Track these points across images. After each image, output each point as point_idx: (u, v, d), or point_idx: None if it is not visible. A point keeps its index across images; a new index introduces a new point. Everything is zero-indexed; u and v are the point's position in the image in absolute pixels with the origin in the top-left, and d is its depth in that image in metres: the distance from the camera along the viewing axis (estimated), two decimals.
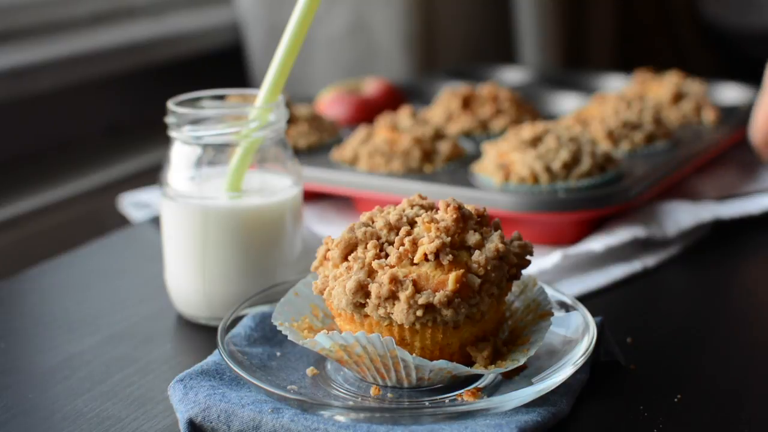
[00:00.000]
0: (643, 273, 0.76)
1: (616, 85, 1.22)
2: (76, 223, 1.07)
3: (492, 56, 1.63)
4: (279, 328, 0.57)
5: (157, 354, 0.64)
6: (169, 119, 0.66)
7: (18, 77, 1.12)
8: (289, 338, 0.56)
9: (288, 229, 0.68)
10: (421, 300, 0.52)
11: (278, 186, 0.68)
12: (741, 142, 1.03)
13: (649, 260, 0.78)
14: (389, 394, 0.55)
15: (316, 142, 0.95)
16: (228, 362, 0.55)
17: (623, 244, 0.79)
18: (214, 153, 0.67)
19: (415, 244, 0.54)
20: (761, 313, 0.70)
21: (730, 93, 1.15)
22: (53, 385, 0.60)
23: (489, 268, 0.54)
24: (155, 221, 0.88)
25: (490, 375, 0.56)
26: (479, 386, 0.55)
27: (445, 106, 1.04)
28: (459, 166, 0.88)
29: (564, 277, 0.75)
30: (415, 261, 0.54)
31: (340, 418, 0.51)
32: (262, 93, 0.65)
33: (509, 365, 0.54)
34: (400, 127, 0.91)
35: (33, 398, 0.58)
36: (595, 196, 0.78)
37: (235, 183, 0.66)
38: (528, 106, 1.06)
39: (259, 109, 0.65)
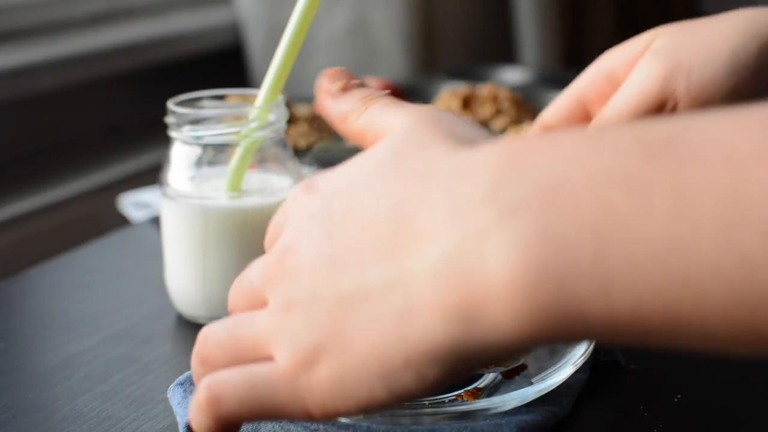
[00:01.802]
0: None
1: None
2: (76, 223, 1.07)
3: (492, 56, 1.63)
4: None
5: (157, 354, 0.64)
6: (169, 119, 0.66)
7: (18, 77, 1.12)
8: None
9: None
10: None
11: (278, 186, 0.68)
12: None
13: None
14: None
15: (316, 142, 0.95)
16: None
17: None
18: (214, 153, 0.67)
19: None
20: None
21: None
22: (53, 385, 0.60)
23: None
24: (155, 221, 0.88)
25: (490, 375, 0.56)
26: (479, 386, 0.55)
27: (445, 106, 1.04)
28: None
29: None
30: None
31: (340, 418, 0.51)
32: (262, 93, 0.65)
33: (509, 364, 0.54)
34: None
35: (33, 398, 0.58)
36: None
37: (235, 183, 0.66)
38: (528, 106, 1.06)
39: (259, 109, 0.65)
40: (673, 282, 0.30)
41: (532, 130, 0.59)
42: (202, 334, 0.42)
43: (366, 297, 0.36)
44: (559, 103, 0.58)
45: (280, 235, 0.41)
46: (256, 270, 0.41)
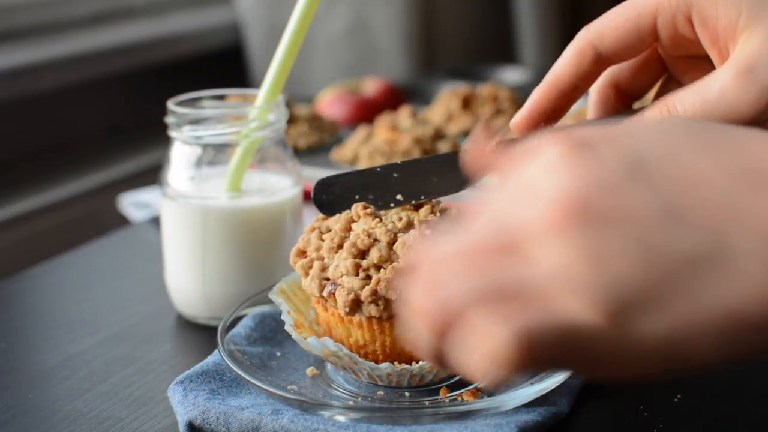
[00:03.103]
0: None
1: None
2: (76, 223, 1.07)
3: (492, 56, 1.63)
4: (280, 308, 0.57)
5: (157, 354, 0.64)
6: (169, 119, 0.66)
7: (18, 77, 1.13)
8: (285, 328, 0.56)
9: (288, 229, 0.68)
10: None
11: (278, 186, 0.68)
12: None
13: None
14: (388, 394, 0.55)
15: (316, 142, 0.95)
16: (228, 362, 0.55)
17: None
18: (214, 153, 0.67)
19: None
20: None
21: None
22: (53, 385, 0.60)
23: None
24: (155, 221, 0.88)
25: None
26: (479, 386, 0.55)
27: (445, 106, 1.04)
28: None
29: None
30: None
31: (340, 419, 0.51)
32: (262, 93, 0.65)
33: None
34: (400, 127, 0.91)
35: (33, 398, 0.58)
36: None
37: (235, 183, 0.66)
38: None
39: (259, 109, 0.65)
40: None
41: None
42: (430, 266, 0.37)
43: (724, 259, 0.35)
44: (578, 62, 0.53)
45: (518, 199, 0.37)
46: (519, 217, 0.37)
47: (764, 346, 0.35)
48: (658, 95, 0.55)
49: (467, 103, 1.04)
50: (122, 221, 0.94)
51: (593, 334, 0.35)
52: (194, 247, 0.66)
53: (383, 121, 0.92)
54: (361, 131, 0.92)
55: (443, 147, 0.89)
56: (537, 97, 0.52)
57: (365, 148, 0.89)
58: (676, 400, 0.55)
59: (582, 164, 0.37)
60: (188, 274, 0.67)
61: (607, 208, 0.36)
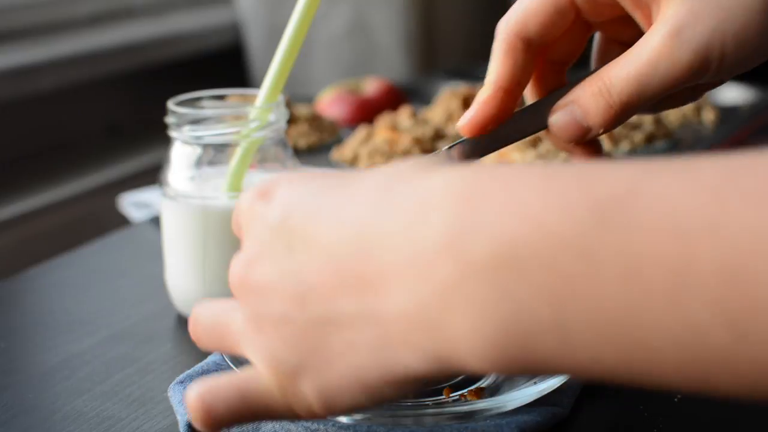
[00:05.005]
0: None
1: None
2: (76, 223, 1.07)
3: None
4: None
5: (157, 354, 0.64)
6: (169, 119, 0.66)
7: (18, 77, 1.13)
8: None
9: None
10: None
11: None
12: (741, 142, 1.03)
13: None
14: None
15: (316, 142, 0.95)
16: (228, 363, 0.55)
17: None
18: (214, 153, 0.67)
19: None
20: None
21: (730, 93, 1.15)
22: (53, 385, 0.60)
23: None
24: (155, 221, 0.88)
25: (491, 374, 0.56)
26: (482, 385, 0.55)
27: (445, 106, 1.04)
28: None
29: None
30: None
31: (341, 419, 0.51)
32: (262, 93, 0.65)
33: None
34: (400, 127, 0.91)
35: (33, 398, 0.58)
36: None
37: (235, 183, 0.66)
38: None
39: (259, 109, 0.65)
40: (629, 342, 0.32)
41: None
42: (194, 311, 0.44)
43: (337, 324, 0.38)
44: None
45: (241, 236, 0.43)
46: (232, 270, 0.42)
47: (404, 393, 0.38)
48: (599, 57, 0.54)
49: (467, 103, 1.04)
50: (122, 221, 0.94)
51: (263, 391, 0.40)
52: (194, 247, 0.66)
53: (383, 121, 0.92)
54: (361, 131, 0.92)
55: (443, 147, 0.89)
56: (483, 101, 0.51)
57: (365, 148, 0.89)
58: (676, 400, 0.55)
59: (251, 217, 0.41)
60: (188, 274, 0.67)
61: (261, 272, 0.40)
